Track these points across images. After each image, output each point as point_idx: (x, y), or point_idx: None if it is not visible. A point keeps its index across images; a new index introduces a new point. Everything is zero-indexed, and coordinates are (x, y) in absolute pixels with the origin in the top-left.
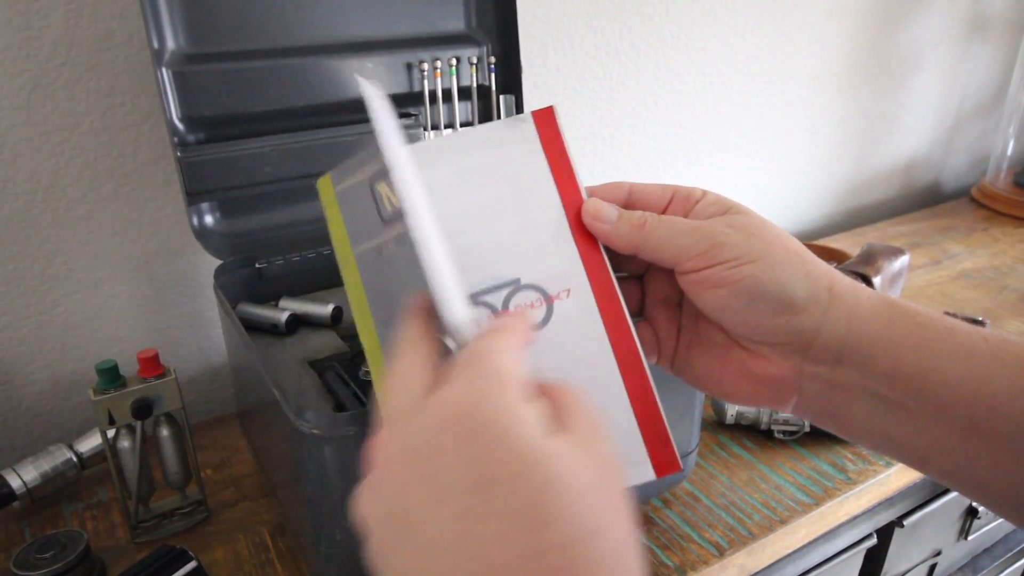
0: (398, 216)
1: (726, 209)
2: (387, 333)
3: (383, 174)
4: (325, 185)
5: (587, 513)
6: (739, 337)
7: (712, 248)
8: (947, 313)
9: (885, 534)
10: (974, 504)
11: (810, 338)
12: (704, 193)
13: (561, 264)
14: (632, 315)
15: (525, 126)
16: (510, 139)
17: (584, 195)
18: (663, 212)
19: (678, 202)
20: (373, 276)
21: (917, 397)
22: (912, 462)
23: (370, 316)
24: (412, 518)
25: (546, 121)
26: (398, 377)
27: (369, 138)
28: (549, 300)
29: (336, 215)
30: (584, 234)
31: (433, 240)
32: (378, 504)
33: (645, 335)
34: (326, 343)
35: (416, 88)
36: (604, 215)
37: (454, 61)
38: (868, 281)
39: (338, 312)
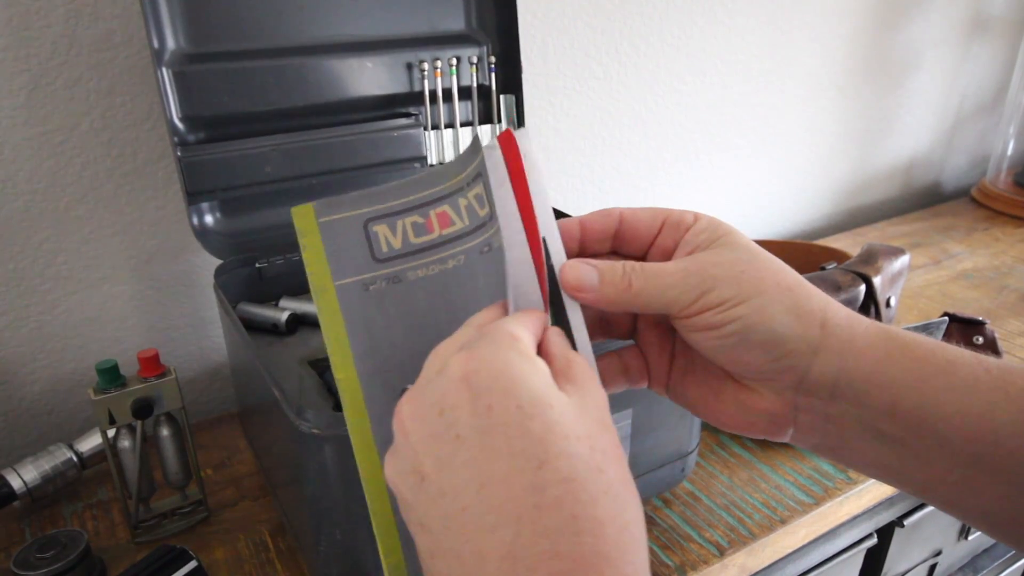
0: (395, 257)
1: (717, 237)
2: (365, 364)
3: (383, 217)
4: (305, 214)
5: (586, 454)
6: (731, 373)
7: (701, 295)
8: (946, 314)
9: (885, 534)
10: None
11: (801, 375)
12: (696, 218)
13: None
14: (622, 338)
15: (495, 155)
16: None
17: (541, 235)
18: (654, 240)
19: (669, 229)
20: (356, 309)
21: (916, 432)
22: (914, 492)
23: (348, 347)
24: (429, 469)
25: (509, 147)
26: (432, 354)
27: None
28: None
29: (316, 244)
30: (544, 275)
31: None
32: (399, 465)
33: (632, 361)
34: None
35: (416, 88)
36: (585, 283)
37: (454, 61)
38: (868, 281)
39: None
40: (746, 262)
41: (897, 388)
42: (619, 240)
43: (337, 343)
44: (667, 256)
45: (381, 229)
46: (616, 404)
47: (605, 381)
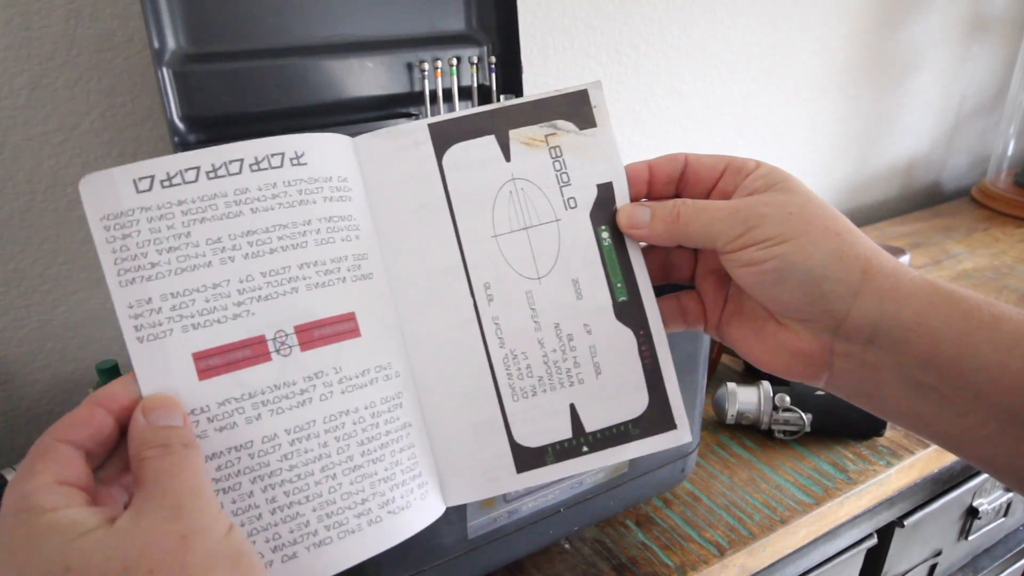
0: None
1: (774, 183)
2: None
3: None
4: None
5: None
6: (772, 312)
7: (747, 231)
8: None
9: (885, 534)
10: (975, 504)
11: (839, 318)
12: (757, 165)
13: None
14: (683, 282)
15: None
16: None
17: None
18: (715, 184)
19: (730, 174)
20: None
21: (953, 383)
22: (946, 445)
23: None
24: None
25: None
26: None
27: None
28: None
29: None
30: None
31: None
32: None
33: (690, 305)
34: None
35: (416, 88)
36: (637, 220)
37: (454, 61)
38: None
39: None
40: (798, 205)
41: (938, 337)
42: (683, 183)
43: None
44: (727, 199)
45: None
46: None
47: (665, 322)
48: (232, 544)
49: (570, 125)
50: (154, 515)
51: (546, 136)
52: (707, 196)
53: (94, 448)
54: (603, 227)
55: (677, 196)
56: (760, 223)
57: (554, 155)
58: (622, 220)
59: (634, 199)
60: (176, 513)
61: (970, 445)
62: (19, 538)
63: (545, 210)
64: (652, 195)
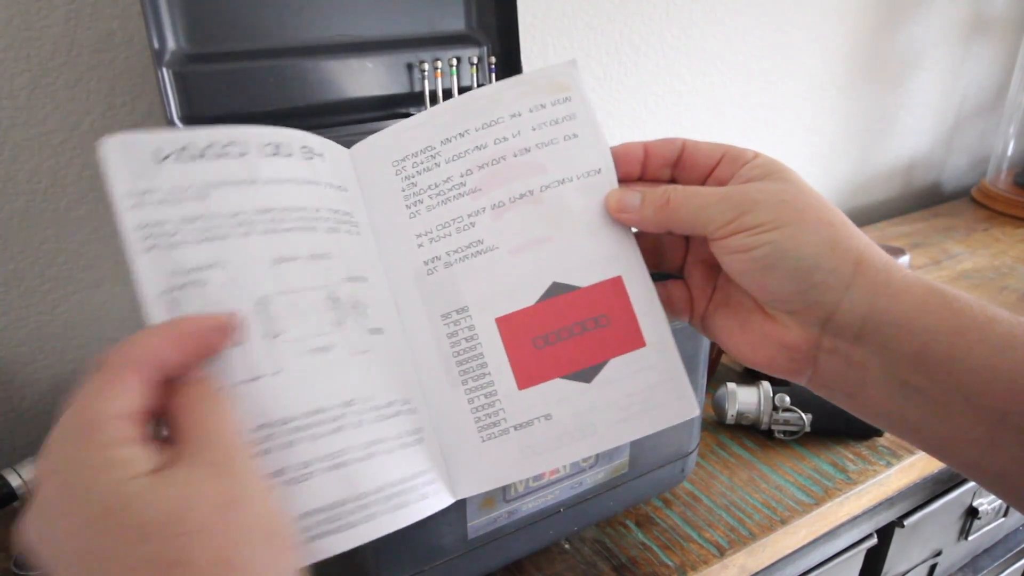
0: None
1: (770, 173)
2: None
3: None
4: None
5: (156, 552)
6: (760, 302)
7: (738, 216)
8: None
9: (885, 534)
10: (975, 504)
11: (829, 311)
12: (755, 155)
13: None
14: (673, 271)
15: None
16: None
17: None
18: (711, 172)
19: (726, 163)
20: None
21: (942, 384)
22: (929, 448)
23: None
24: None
25: None
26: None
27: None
28: None
29: None
30: None
31: None
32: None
33: (678, 294)
34: None
35: (416, 88)
36: (627, 204)
37: (454, 61)
38: None
39: None
40: (791, 194)
41: (928, 336)
42: (679, 168)
43: None
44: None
45: None
46: None
47: None
48: (271, 515)
49: None
50: (200, 471)
51: None
52: (702, 182)
53: (157, 385)
54: None
55: (672, 181)
56: (752, 209)
57: None
58: (610, 204)
59: (626, 178)
60: (221, 471)
61: (956, 449)
62: (78, 462)
63: None
64: (646, 176)
